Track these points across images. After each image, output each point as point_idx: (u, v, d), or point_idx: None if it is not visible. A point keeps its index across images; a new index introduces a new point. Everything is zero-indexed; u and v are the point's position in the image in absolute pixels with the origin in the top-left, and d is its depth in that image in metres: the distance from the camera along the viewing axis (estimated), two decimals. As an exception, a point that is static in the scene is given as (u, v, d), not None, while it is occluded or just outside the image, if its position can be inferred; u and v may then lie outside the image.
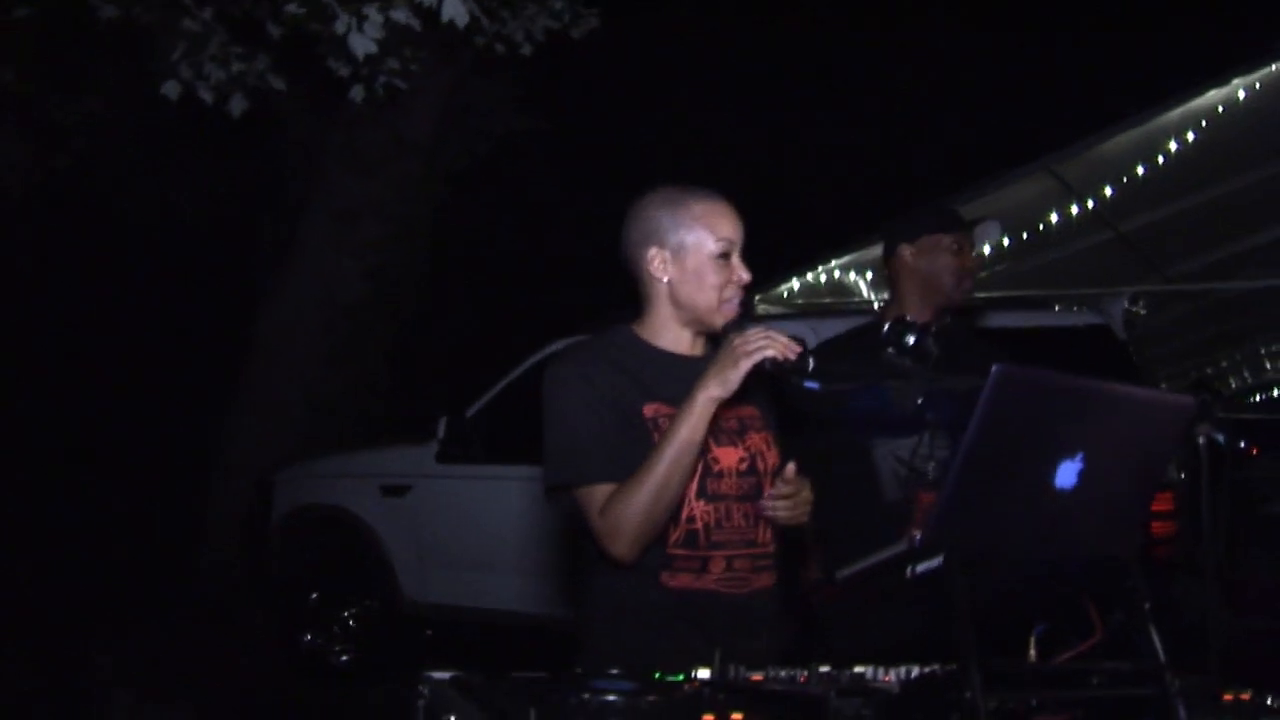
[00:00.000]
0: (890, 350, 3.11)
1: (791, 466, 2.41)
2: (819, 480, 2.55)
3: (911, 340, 3.03)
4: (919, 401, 3.00)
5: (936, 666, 1.95)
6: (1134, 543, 2.00)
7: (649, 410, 2.43)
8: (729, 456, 2.47)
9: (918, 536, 1.79)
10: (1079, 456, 1.82)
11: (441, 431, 6.66)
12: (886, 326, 3.10)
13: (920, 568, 1.81)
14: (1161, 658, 1.83)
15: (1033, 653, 2.06)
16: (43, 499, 11.20)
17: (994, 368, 1.73)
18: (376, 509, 6.96)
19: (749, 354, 2.25)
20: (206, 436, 10.11)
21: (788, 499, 2.41)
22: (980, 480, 1.79)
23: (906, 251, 3.43)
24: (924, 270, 3.41)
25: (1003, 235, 7.63)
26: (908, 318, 3.18)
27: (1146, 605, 1.90)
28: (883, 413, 3.11)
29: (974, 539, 1.80)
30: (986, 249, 9.09)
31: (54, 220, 11.38)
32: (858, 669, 2.05)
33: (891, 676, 2.02)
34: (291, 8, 5.35)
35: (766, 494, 2.45)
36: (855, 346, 3.32)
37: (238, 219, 12.08)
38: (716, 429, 2.42)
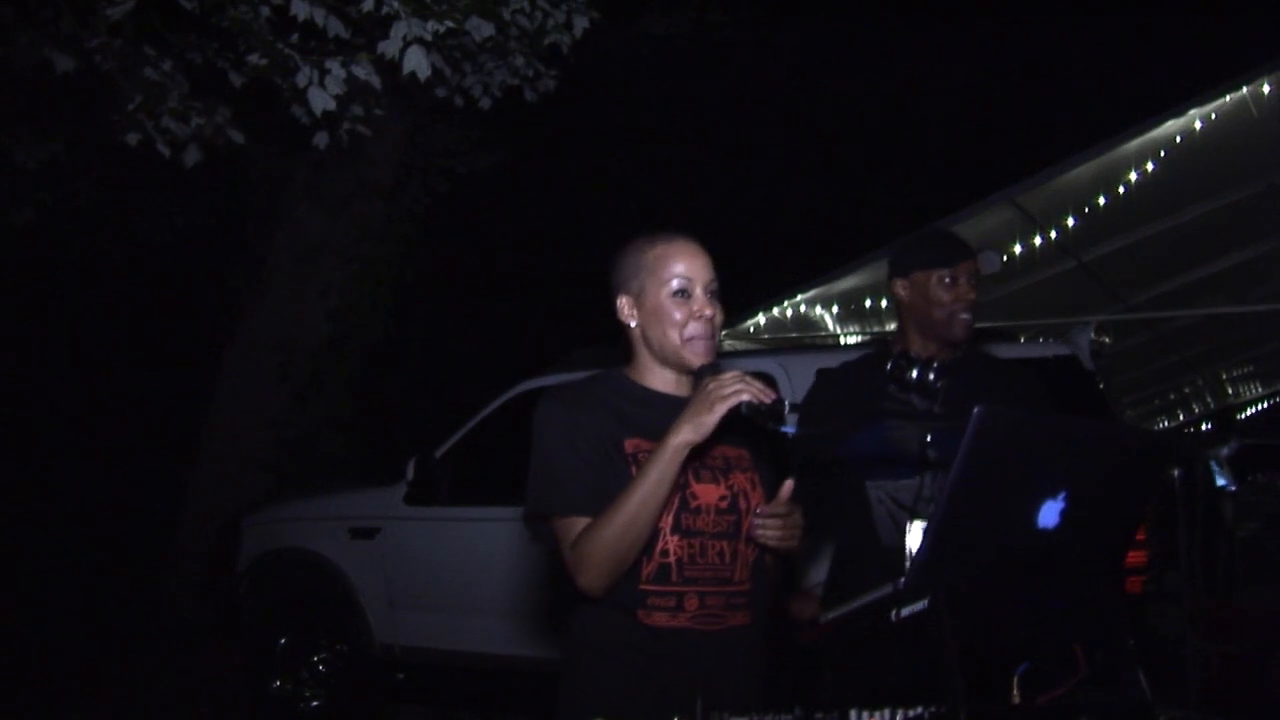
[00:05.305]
0: (893, 386, 3.08)
1: (788, 485, 2.41)
2: (819, 526, 2.50)
3: (915, 376, 3.00)
4: (926, 440, 2.90)
5: (924, 709, 1.94)
6: (1117, 581, 2.00)
7: (629, 445, 2.45)
8: (709, 493, 2.46)
9: (901, 580, 1.78)
10: (1061, 496, 1.83)
11: (410, 473, 6.60)
12: (890, 362, 3.07)
13: (905, 611, 1.80)
14: (1148, 696, 1.84)
15: (1016, 692, 2.05)
16: (4, 542, 11.03)
17: (975, 409, 1.73)
18: (345, 552, 6.87)
19: (724, 398, 2.26)
20: (173, 478, 10.02)
21: (779, 519, 2.41)
22: (964, 522, 1.79)
23: (899, 286, 3.24)
24: (918, 306, 3.19)
25: (1002, 262, 7.56)
26: (911, 352, 3.15)
27: (1131, 643, 1.90)
28: (881, 453, 3.02)
29: (958, 581, 1.80)
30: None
31: (15, 258, 11.25)
32: (845, 711, 2.03)
33: (879, 719, 2.00)
34: (254, 59, 5.33)
35: (758, 511, 2.45)
36: (854, 378, 3.26)
37: (204, 257, 12.01)
38: (699, 465, 2.45)
